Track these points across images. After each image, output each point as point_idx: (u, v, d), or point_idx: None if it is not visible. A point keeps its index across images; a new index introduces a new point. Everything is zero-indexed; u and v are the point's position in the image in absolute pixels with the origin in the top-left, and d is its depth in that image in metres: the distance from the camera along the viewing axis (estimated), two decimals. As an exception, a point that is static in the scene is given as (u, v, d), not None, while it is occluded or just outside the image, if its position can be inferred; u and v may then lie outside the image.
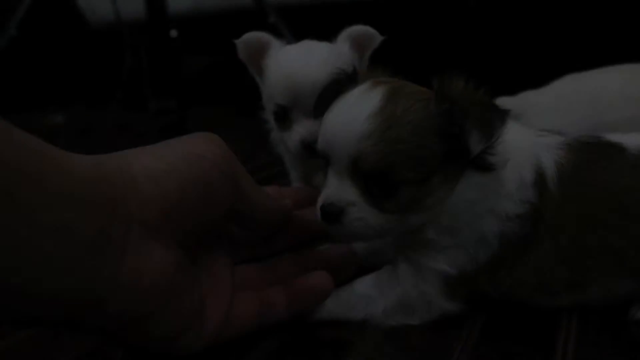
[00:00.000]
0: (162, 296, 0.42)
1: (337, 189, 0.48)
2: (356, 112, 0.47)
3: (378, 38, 0.68)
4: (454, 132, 0.46)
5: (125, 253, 0.39)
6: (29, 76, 2.30)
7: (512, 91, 0.94)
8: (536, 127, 0.56)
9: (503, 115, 0.46)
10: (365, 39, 0.69)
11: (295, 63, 0.65)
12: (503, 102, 0.77)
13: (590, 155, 0.51)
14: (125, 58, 1.85)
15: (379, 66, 0.56)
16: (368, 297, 0.52)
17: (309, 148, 0.64)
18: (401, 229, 0.50)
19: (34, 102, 2.20)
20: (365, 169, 0.47)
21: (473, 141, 0.45)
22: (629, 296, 0.51)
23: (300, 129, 0.65)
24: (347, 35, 0.69)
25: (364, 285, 0.53)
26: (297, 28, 1.84)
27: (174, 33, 2.09)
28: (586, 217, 0.49)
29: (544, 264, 0.50)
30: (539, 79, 0.95)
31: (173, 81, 2.02)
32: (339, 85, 0.53)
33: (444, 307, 0.52)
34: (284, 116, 0.67)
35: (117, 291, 0.39)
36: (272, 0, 1.91)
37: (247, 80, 0.75)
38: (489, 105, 0.47)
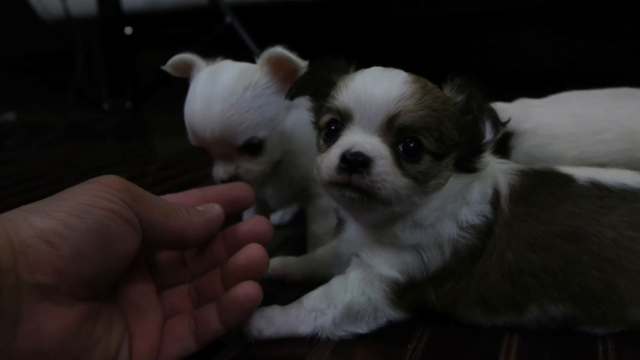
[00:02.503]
0: (69, 354, 0.41)
1: (364, 141, 0.49)
2: (391, 78, 0.50)
3: (297, 64, 0.62)
4: (467, 122, 0.51)
5: (19, 321, 0.38)
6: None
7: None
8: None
9: (503, 118, 0.52)
10: (284, 62, 0.62)
11: (196, 106, 0.61)
12: (538, 100, 0.77)
13: (541, 182, 0.54)
14: (77, 56, 1.82)
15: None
16: (317, 310, 0.52)
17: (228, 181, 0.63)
18: (404, 204, 0.51)
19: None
20: (402, 124, 0.49)
21: (487, 131, 0.51)
22: (568, 321, 0.52)
23: (218, 169, 0.64)
24: (264, 60, 0.63)
25: (312, 299, 0.54)
26: (254, 28, 1.86)
27: (128, 30, 2.07)
28: (531, 237, 0.51)
29: (488, 278, 0.52)
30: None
31: (127, 80, 2.00)
32: (326, 71, 0.55)
33: (389, 315, 0.53)
34: (205, 152, 0.66)
35: None
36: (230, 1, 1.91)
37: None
38: (493, 106, 0.52)
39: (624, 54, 2.39)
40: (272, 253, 0.75)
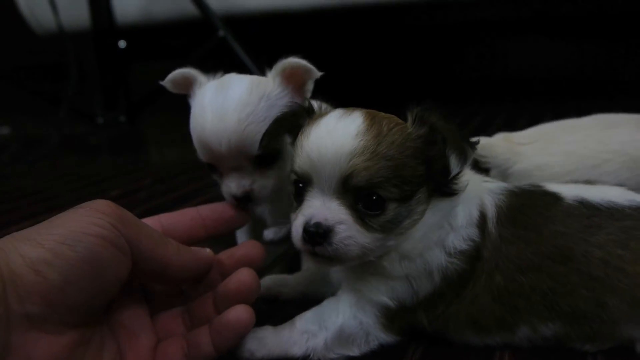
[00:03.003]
0: None
1: (322, 208, 0.48)
2: (343, 131, 0.49)
3: (314, 73, 0.62)
4: (432, 155, 0.50)
5: (8, 352, 0.38)
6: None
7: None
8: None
9: (473, 144, 0.50)
10: (298, 73, 0.62)
11: (207, 121, 0.60)
12: (521, 135, 0.74)
13: (528, 202, 0.54)
14: (70, 69, 1.82)
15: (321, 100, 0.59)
16: (309, 332, 0.53)
17: (243, 199, 0.62)
18: (379, 251, 0.51)
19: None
20: (357, 184, 0.48)
21: (452, 164, 0.49)
22: (559, 339, 0.52)
23: (231, 184, 0.62)
24: (277, 70, 0.62)
25: (304, 321, 0.54)
26: (249, 41, 1.87)
27: (122, 44, 2.07)
28: (520, 258, 0.51)
29: (479, 301, 0.52)
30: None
31: (121, 94, 1.99)
32: (292, 117, 0.55)
33: (381, 339, 0.53)
34: (212, 170, 0.65)
35: None
36: (221, 12, 1.91)
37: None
38: (461, 133, 0.51)
39: (613, 60, 2.41)
40: (266, 269, 0.76)
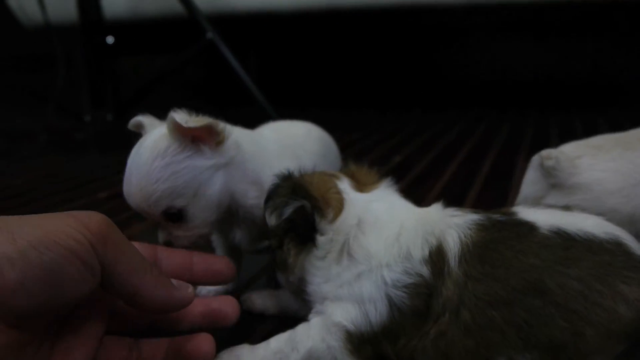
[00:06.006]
0: None
1: None
2: None
3: (189, 127, 0.57)
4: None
5: None
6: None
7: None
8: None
9: (297, 204, 0.55)
10: (180, 128, 0.58)
11: (124, 177, 0.60)
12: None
13: (498, 235, 0.54)
14: (58, 66, 1.81)
15: None
16: (281, 353, 0.54)
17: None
18: (291, 286, 0.60)
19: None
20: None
21: (268, 219, 0.56)
22: None
23: (158, 233, 0.63)
24: (168, 126, 0.59)
25: (278, 342, 0.56)
26: (237, 41, 1.87)
27: (110, 40, 2.06)
28: (489, 295, 0.51)
29: (447, 336, 0.52)
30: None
31: (109, 91, 1.99)
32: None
33: None
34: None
35: None
36: (210, 11, 1.91)
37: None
38: (292, 193, 0.56)
39: (600, 64, 2.45)
40: (251, 280, 0.78)
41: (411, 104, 2.55)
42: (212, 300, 0.58)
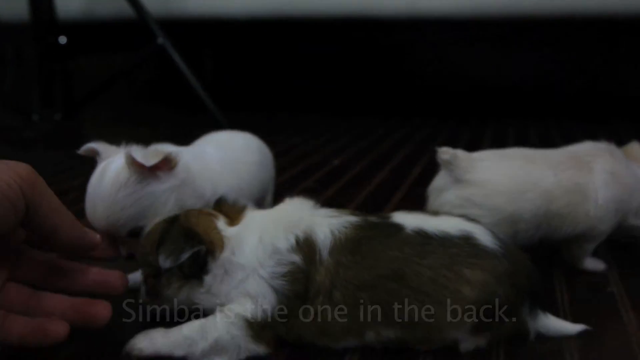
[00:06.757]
0: None
1: None
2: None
3: (142, 164, 0.68)
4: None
5: None
6: None
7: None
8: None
9: (193, 250, 0.62)
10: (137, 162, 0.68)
11: (87, 202, 0.70)
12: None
13: (370, 233, 0.65)
14: (7, 66, 1.83)
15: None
16: (191, 339, 0.62)
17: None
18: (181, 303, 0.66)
19: None
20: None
21: (162, 263, 0.62)
22: (399, 341, 0.63)
23: (121, 248, 0.74)
24: (125, 159, 0.69)
25: (190, 328, 0.63)
26: (191, 44, 1.91)
27: (62, 40, 2.08)
28: (357, 279, 0.62)
29: (323, 315, 0.63)
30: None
31: (59, 91, 2.00)
32: None
33: (252, 350, 0.63)
34: None
35: None
36: (162, 15, 1.95)
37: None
38: (185, 237, 0.62)
39: (585, 69, 2.53)
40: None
41: (368, 110, 2.65)
42: (104, 271, 0.67)
